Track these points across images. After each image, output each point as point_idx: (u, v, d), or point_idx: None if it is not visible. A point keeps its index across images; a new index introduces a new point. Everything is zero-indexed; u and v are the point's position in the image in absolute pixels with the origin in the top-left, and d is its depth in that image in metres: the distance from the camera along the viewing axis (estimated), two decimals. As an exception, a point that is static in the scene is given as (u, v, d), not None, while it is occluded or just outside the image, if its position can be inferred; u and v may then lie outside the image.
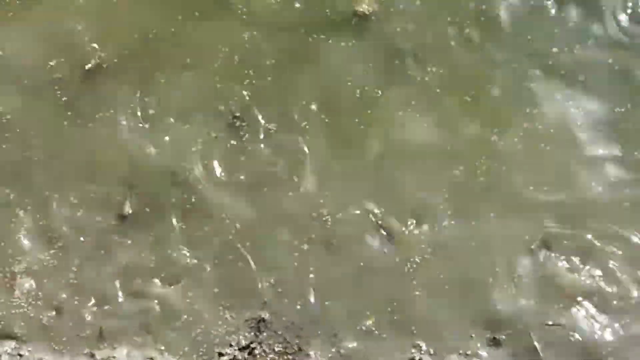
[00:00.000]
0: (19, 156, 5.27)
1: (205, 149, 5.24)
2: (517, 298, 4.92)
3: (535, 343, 4.88)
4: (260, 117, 5.30)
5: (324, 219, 5.10)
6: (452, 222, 5.07)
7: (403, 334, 4.92)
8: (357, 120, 5.26)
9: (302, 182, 5.17)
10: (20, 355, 4.93)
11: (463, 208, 5.10)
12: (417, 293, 4.97)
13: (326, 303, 4.97)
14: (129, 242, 5.10)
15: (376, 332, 4.92)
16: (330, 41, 5.38)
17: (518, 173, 5.14)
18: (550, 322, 4.91)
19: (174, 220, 5.12)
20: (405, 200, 5.13)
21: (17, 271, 5.06)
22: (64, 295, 5.02)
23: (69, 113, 5.33)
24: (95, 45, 5.42)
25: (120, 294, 5.03)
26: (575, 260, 4.99)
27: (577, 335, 4.87)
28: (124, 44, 5.42)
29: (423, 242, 5.04)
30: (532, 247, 5.00)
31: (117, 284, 5.04)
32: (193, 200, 5.16)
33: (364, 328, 4.93)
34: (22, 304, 5.01)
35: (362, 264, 5.03)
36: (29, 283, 5.05)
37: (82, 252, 5.10)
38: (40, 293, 5.03)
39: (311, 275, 5.03)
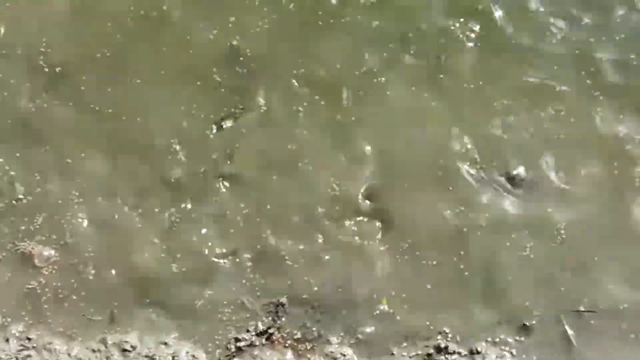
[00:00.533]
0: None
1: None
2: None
3: (567, 328, 4.66)
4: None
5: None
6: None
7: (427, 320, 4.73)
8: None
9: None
10: (29, 339, 4.73)
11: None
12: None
13: (345, 286, 4.80)
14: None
15: (397, 317, 4.73)
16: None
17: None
18: (582, 308, 4.70)
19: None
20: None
21: (35, 241, 4.91)
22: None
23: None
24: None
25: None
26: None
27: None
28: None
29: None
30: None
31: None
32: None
33: (380, 312, 4.74)
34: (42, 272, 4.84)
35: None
36: (48, 252, 4.88)
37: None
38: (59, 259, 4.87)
39: (327, 257, 4.86)
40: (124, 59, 5.28)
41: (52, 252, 4.88)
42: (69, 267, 4.85)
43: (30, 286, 4.82)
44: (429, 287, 4.77)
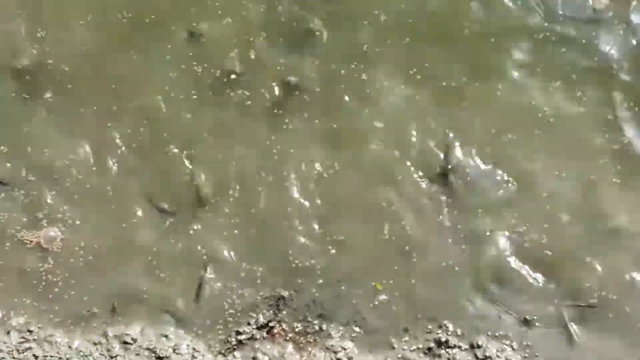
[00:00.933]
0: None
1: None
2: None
3: (568, 323, 4.65)
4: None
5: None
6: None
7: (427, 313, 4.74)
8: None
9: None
10: (30, 331, 4.73)
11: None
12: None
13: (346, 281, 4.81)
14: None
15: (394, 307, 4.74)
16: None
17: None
18: (581, 303, 4.70)
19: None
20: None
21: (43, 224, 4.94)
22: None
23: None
24: None
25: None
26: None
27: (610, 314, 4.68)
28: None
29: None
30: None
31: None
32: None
33: (379, 303, 4.74)
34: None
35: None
36: (54, 231, 4.89)
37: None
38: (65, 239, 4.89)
39: (333, 251, 4.87)
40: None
41: (58, 231, 4.90)
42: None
43: (33, 279, 4.84)
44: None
